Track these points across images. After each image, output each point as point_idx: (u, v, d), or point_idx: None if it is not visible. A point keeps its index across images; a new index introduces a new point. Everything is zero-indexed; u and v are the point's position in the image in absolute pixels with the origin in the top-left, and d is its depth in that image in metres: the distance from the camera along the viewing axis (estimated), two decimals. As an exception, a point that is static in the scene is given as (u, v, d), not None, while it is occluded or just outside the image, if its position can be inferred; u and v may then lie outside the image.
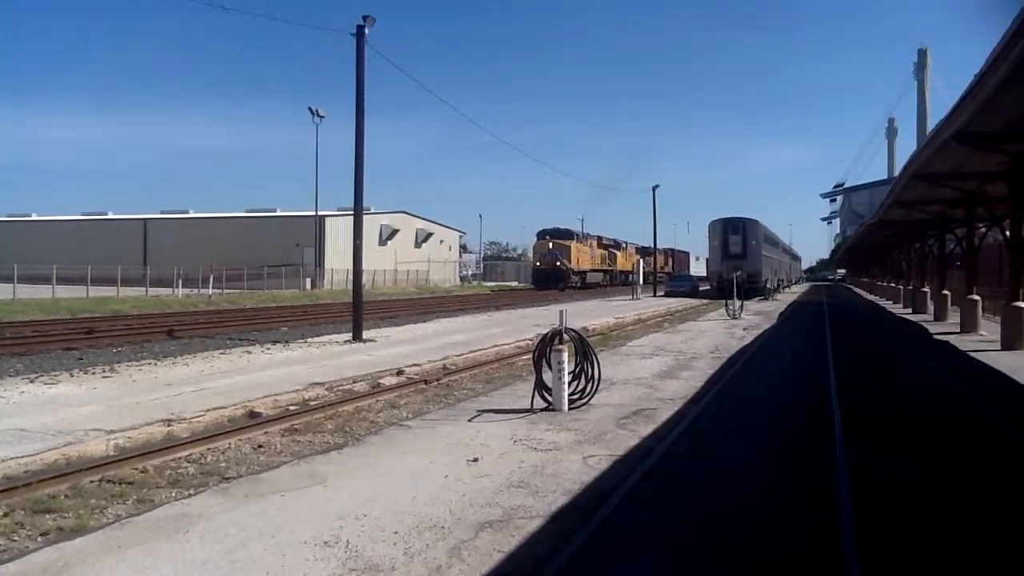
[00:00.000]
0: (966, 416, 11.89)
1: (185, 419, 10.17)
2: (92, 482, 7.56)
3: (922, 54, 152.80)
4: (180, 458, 8.64)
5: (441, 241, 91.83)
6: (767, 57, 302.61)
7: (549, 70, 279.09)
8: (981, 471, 8.47)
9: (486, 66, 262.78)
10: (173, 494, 7.22)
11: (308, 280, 60.84)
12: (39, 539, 5.98)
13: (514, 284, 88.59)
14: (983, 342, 22.58)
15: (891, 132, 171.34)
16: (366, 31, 21.07)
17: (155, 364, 15.39)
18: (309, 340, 20.85)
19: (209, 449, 9.05)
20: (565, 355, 11.07)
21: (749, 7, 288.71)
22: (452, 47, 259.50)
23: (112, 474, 7.85)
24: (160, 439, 9.41)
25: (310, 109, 56.97)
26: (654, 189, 62.82)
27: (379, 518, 6.25)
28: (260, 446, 9.30)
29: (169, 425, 9.87)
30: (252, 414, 10.95)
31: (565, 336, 11.31)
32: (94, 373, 14.04)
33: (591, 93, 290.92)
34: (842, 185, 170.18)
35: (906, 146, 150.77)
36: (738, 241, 55.78)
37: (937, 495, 7.49)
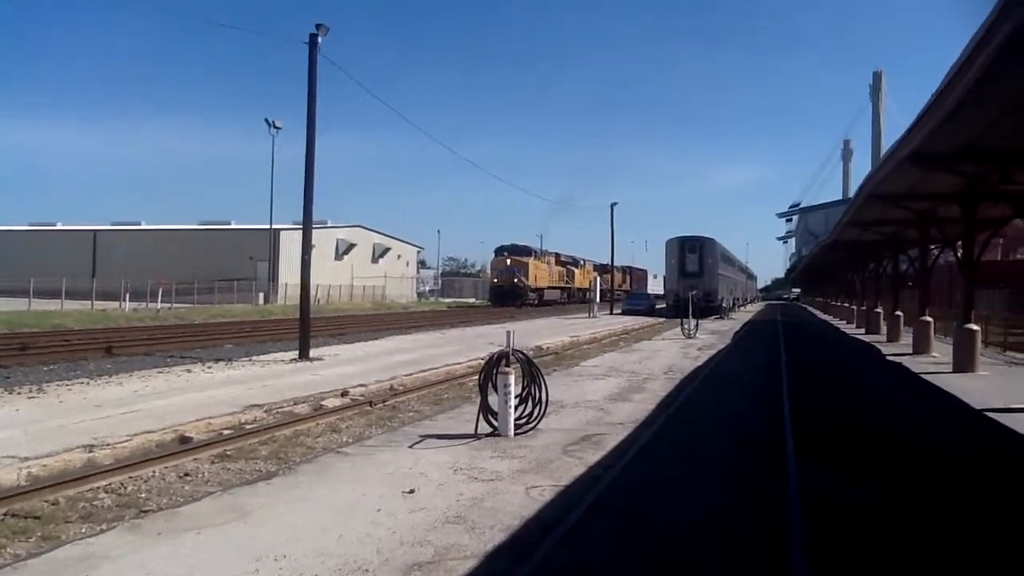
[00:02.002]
0: (920, 440, 11.74)
1: (109, 444, 9.61)
2: (-5, 516, 7.01)
3: (877, 77, 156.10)
4: (98, 488, 8.12)
5: (399, 256, 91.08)
6: (724, 77, 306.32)
7: (507, 87, 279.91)
8: (936, 497, 8.24)
9: (444, 82, 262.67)
10: (83, 530, 6.71)
11: (261, 295, 59.80)
12: (-79, 585, 5.44)
13: (472, 301, 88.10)
14: (935, 364, 22.61)
15: (846, 153, 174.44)
16: (319, 40, 20.65)
17: (87, 383, 14.73)
18: (254, 358, 20.23)
19: (131, 478, 8.53)
20: (512, 378, 10.66)
21: (707, 28, 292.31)
22: (410, 62, 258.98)
23: (19, 507, 7.31)
24: (79, 467, 8.85)
25: (266, 120, 56.35)
26: (612, 207, 63.02)
27: (300, 559, 5.79)
28: (187, 474, 8.79)
29: (91, 451, 9.30)
30: (183, 439, 10.41)
31: (512, 358, 10.92)
32: (19, 393, 13.34)
33: (549, 110, 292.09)
34: (798, 205, 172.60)
35: (861, 167, 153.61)
36: (695, 260, 55.96)
37: (890, 523, 7.22)
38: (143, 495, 7.91)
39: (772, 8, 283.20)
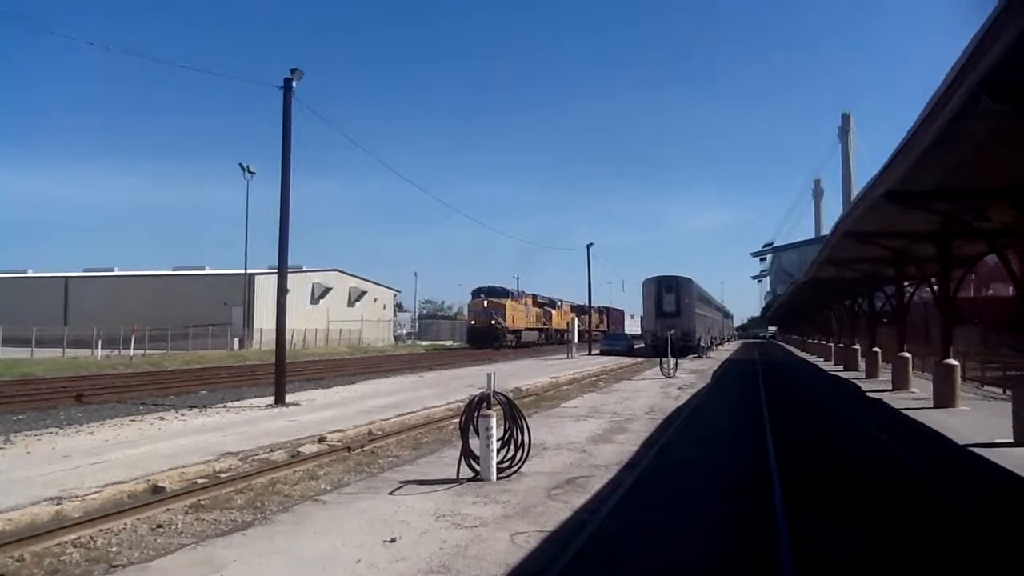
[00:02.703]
0: (904, 479, 11.59)
1: (78, 496, 9.29)
2: (-45, 575, 6.69)
3: (846, 118, 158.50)
4: (66, 542, 7.78)
5: (375, 299, 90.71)
6: (697, 119, 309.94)
7: (482, 130, 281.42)
8: (921, 538, 8.09)
9: (423, 124, 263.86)
10: (49, 587, 6.39)
11: (236, 340, 59.16)
12: None
13: (449, 343, 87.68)
14: (915, 400, 22.63)
15: (817, 193, 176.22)
16: (294, 84, 20.63)
17: (56, 433, 14.35)
18: (228, 405, 19.84)
19: (101, 531, 8.19)
20: (493, 421, 10.46)
21: (679, 72, 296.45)
22: (386, 106, 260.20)
23: (-19, 564, 6.99)
24: (46, 520, 8.52)
25: (241, 165, 56.25)
26: (588, 247, 63.12)
27: (277, 615, 5.54)
28: (159, 526, 8.48)
29: (59, 503, 8.98)
30: (155, 489, 10.10)
31: (493, 400, 10.73)
32: (-15, 444, 12.97)
33: (525, 153, 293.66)
34: (771, 244, 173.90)
35: (832, 206, 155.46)
36: (672, 300, 56.04)
37: (883, 565, 7.07)
38: (113, 549, 7.60)
39: (742, 53, 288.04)
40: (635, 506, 9.34)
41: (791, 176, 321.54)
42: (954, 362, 20.67)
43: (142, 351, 46.88)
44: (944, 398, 20.25)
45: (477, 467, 10.53)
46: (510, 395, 12.82)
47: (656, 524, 8.45)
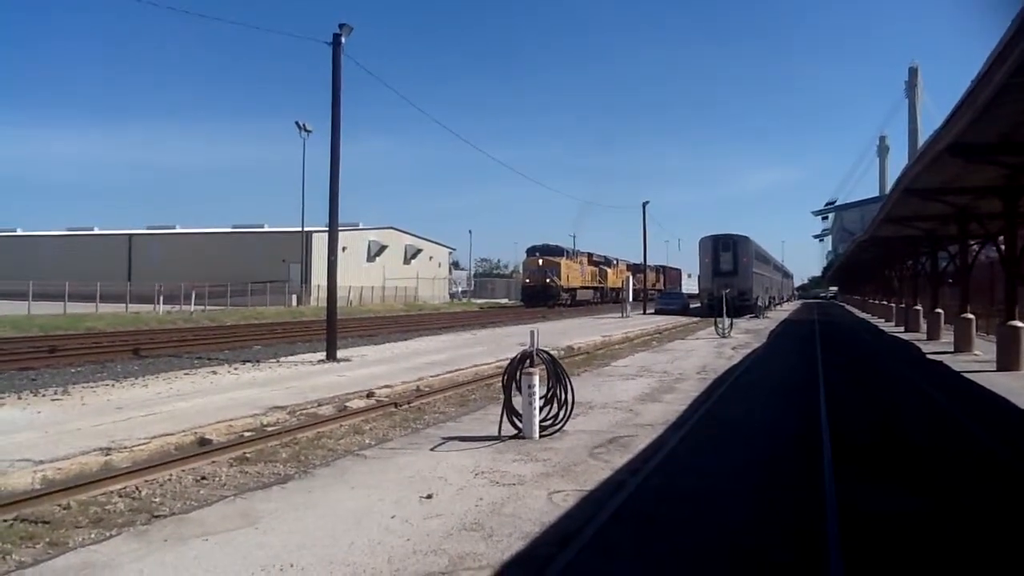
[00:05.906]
0: (964, 445, 11.17)
1: (127, 447, 9.45)
2: (4, 521, 6.83)
3: (912, 72, 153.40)
4: (112, 492, 7.92)
5: (431, 257, 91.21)
6: (758, 76, 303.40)
7: (540, 88, 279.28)
8: (980, 507, 7.76)
9: (477, 84, 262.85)
10: (92, 535, 6.50)
11: (294, 297, 60.04)
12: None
13: (504, 301, 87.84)
14: (978, 362, 21.98)
15: (882, 150, 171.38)
16: (343, 40, 20.52)
17: (112, 385, 14.66)
18: (281, 359, 20.11)
19: (146, 481, 8.33)
20: (536, 378, 10.36)
21: (741, 28, 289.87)
22: (441, 64, 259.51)
23: (29, 512, 7.13)
24: (95, 470, 8.69)
25: (297, 124, 56.63)
26: (644, 206, 62.45)
27: (307, 569, 5.53)
28: (203, 478, 8.58)
29: (108, 454, 9.15)
30: (202, 441, 10.25)
31: (536, 358, 10.63)
32: (44, 395, 13.30)
33: (583, 112, 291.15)
34: (834, 203, 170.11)
35: (897, 164, 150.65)
36: (729, 258, 55.19)
37: (938, 536, 6.81)
38: (157, 499, 7.71)
39: (804, 5, 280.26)
40: (678, 467, 9.18)
41: (856, 133, 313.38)
42: (1019, 324, 19.96)
43: (202, 307, 47.77)
44: (1008, 361, 19.60)
45: (520, 425, 10.47)
46: (561, 353, 12.73)
47: (698, 486, 8.29)
